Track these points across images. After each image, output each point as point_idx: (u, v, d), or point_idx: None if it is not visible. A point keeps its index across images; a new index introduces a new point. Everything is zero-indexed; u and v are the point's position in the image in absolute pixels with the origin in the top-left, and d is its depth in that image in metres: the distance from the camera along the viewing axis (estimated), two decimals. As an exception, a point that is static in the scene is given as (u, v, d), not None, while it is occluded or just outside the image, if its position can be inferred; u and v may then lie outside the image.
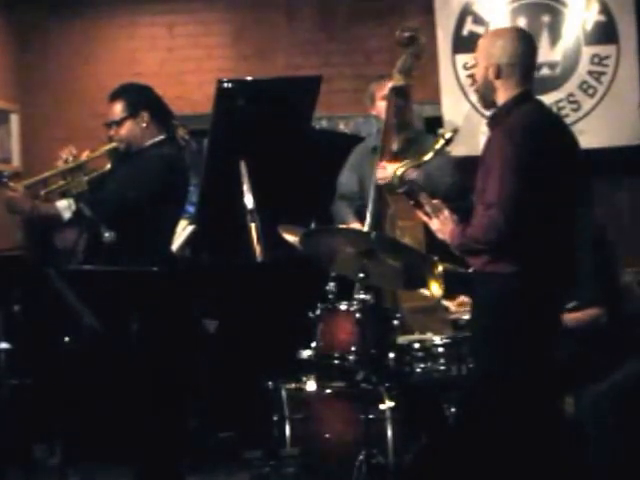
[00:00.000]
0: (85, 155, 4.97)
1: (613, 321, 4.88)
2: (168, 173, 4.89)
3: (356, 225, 5.39)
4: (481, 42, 4.14)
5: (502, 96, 3.99)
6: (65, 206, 4.83)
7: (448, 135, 4.46)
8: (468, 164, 5.30)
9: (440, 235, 4.05)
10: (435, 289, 4.40)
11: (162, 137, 4.96)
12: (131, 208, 4.79)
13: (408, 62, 5.26)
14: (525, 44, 4.01)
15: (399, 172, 4.78)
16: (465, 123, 6.45)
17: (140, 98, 4.97)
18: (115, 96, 4.99)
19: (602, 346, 4.80)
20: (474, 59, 4.11)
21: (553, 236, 3.95)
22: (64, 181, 4.92)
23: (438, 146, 4.45)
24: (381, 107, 5.45)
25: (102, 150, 5.04)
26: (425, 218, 4.10)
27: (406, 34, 5.26)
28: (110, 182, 4.91)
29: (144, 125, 4.94)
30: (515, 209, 3.80)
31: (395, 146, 5.36)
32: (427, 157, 4.53)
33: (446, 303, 4.87)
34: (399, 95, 5.31)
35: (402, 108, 5.36)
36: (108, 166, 5.05)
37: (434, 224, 4.06)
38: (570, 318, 4.74)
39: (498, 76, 3.96)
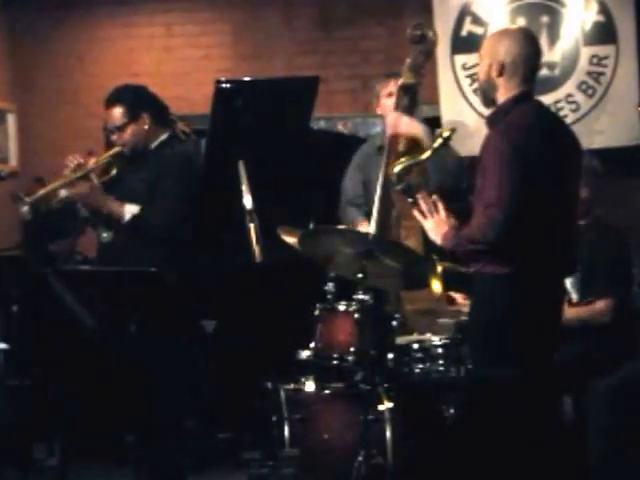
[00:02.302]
0: (92, 163, 4.97)
1: (615, 321, 4.87)
2: (191, 170, 4.98)
3: (365, 224, 5.37)
4: (487, 40, 4.19)
5: (503, 95, 4.00)
6: (131, 210, 4.89)
7: (446, 134, 4.44)
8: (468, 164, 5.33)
9: (432, 235, 4.06)
10: (435, 289, 4.39)
11: (167, 135, 4.97)
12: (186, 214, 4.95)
13: (419, 59, 5.24)
14: (531, 46, 4.02)
15: (396, 170, 4.77)
16: (464, 123, 6.44)
17: (139, 101, 4.97)
18: (113, 101, 4.97)
19: (603, 346, 4.80)
20: (479, 56, 4.11)
21: (552, 236, 3.95)
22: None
23: (436, 145, 4.43)
24: (386, 105, 5.44)
25: (107, 155, 5.05)
26: (420, 217, 4.10)
27: (417, 32, 5.23)
28: (138, 184, 4.96)
29: (146, 127, 4.95)
30: (514, 209, 3.80)
31: (401, 145, 5.34)
32: (425, 156, 4.50)
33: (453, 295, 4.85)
34: (407, 93, 5.29)
35: (409, 107, 5.35)
36: (114, 172, 5.05)
37: (428, 224, 4.07)
38: (570, 312, 4.74)
39: (500, 74, 3.97)
